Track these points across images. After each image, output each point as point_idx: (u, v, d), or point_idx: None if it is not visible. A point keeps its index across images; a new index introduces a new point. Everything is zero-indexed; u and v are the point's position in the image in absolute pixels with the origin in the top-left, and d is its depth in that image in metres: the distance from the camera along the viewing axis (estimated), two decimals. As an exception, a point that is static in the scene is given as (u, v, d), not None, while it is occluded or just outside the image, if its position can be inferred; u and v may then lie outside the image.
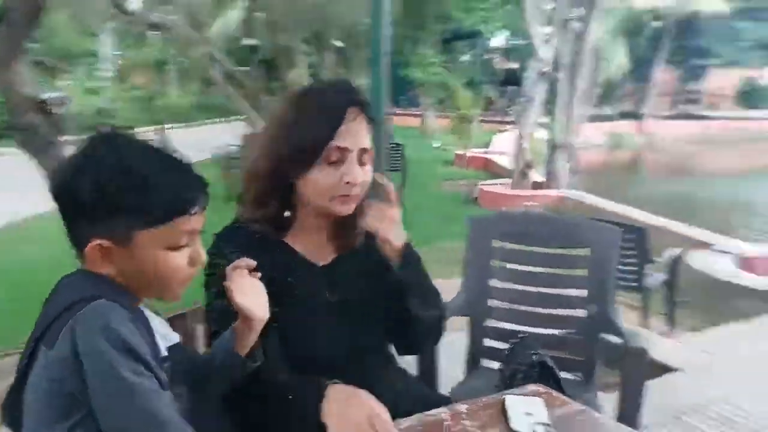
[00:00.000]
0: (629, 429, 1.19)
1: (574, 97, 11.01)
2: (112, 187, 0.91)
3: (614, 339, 1.86)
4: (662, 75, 29.09)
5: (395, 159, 11.03)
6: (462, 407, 1.22)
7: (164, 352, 0.97)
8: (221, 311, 1.12)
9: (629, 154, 23.55)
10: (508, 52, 33.45)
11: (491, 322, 2.13)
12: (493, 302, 2.13)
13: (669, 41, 26.75)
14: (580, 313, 2.01)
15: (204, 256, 0.99)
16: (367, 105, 1.23)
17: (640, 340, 1.75)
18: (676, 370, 3.11)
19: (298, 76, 16.45)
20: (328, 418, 1.04)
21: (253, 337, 1.09)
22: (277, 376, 1.17)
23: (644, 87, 31.05)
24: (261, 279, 1.09)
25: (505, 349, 2.05)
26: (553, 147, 10.77)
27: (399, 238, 1.27)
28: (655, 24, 27.07)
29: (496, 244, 2.14)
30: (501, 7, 13.12)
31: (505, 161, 12.66)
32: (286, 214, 1.27)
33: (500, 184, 10.59)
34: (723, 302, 5.01)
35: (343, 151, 1.19)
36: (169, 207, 0.93)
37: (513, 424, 1.13)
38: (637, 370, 1.71)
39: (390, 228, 1.26)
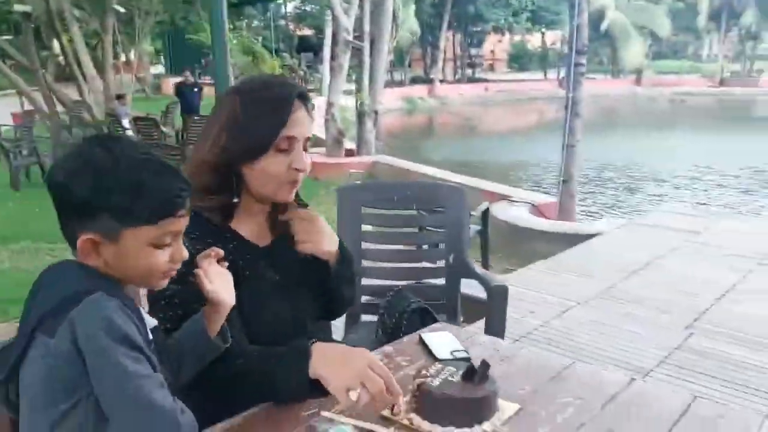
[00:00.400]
0: (510, 344, 1.50)
1: (378, 64, 11.50)
2: (104, 188, 0.95)
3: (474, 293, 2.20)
4: (447, 41, 31.34)
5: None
6: (389, 348, 1.44)
7: (150, 336, 1.05)
8: (183, 297, 1.19)
9: (424, 117, 25.25)
10: (300, 18, 33.46)
11: (366, 281, 2.37)
12: (366, 262, 2.37)
13: (450, 8, 28.77)
14: (442, 263, 2.33)
15: (185, 254, 1.05)
16: (308, 97, 1.33)
17: (498, 279, 2.12)
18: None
19: (71, 44, 14.94)
20: (324, 371, 1.13)
21: (220, 322, 1.17)
22: (248, 349, 1.26)
23: (431, 52, 33.19)
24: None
25: (380, 303, 2.34)
26: (361, 114, 11.23)
27: (332, 244, 1.42)
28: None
29: (365, 210, 2.37)
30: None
31: (314, 130, 12.90)
32: (235, 200, 1.33)
33: (316, 153, 10.81)
34: (524, 245, 5.82)
35: (292, 140, 1.29)
36: (156, 209, 0.98)
37: (437, 354, 1.38)
38: (501, 302, 2.08)
39: (321, 240, 1.39)
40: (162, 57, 30.62)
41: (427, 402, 1.10)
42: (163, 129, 10.66)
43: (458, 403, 1.08)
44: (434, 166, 9.62)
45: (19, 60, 11.91)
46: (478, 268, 2.27)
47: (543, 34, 36.06)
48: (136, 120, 10.57)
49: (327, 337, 1.77)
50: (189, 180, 1.29)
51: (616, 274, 4.31)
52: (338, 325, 2.28)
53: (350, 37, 11.36)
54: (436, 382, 1.12)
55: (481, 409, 1.09)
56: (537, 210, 6.70)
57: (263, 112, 1.28)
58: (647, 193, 10.18)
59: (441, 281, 2.34)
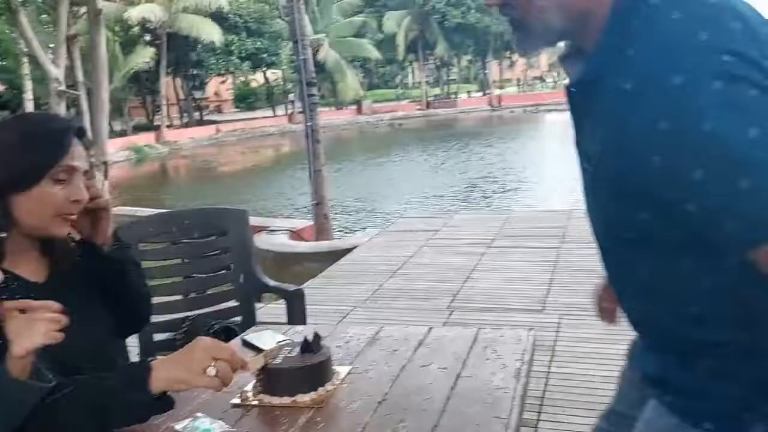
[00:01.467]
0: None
1: (99, 113, 10.85)
2: None
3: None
4: (167, 86, 30.50)
5: None
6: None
7: None
8: None
9: (156, 165, 24.24)
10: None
11: (157, 317, 2.33)
12: (155, 299, 2.32)
13: (167, 54, 28.08)
14: (234, 285, 2.41)
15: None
16: (84, 134, 1.32)
17: (291, 286, 2.29)
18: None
19: None
20: (173, 373, 1.12)
21: (24, 367, 1.10)
22: (65, 382, 1.17)
23: (152, 99, 32.02)
24: None
25: (177, 336, 2.33)
26: (90, 167, 10.48)
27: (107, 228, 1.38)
28: (148, 37, 28.00)
29: (144, 246, 2.34)
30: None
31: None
32: (3, 235, 1.24)
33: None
34: (291, 269, 6.05)
35: (71, 170, 1.24)
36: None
37: (266, 347, 1.48)
38: (300, 304, 2.23)
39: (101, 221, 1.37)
40: None
41: (275, 379, 1.21)
42: None
43: (304, 371, 1.22)
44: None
45: None
46: (270, 281, 2.40)
47: (264, 72, 37.18)
48: None
49: (127, 360, 1.71)
50: None
51: (380, 276, 4.75)
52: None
53: (62, 87, 10.56)
54: (278, 360, 1.24)
55: (323, 373, 1.24)
56: (296, 235, 7.00)
57: (43, 140, 1.25)
58: (385, 212, 11.19)
59: (234, 303, 2.42)
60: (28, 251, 1.33)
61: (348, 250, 5.93)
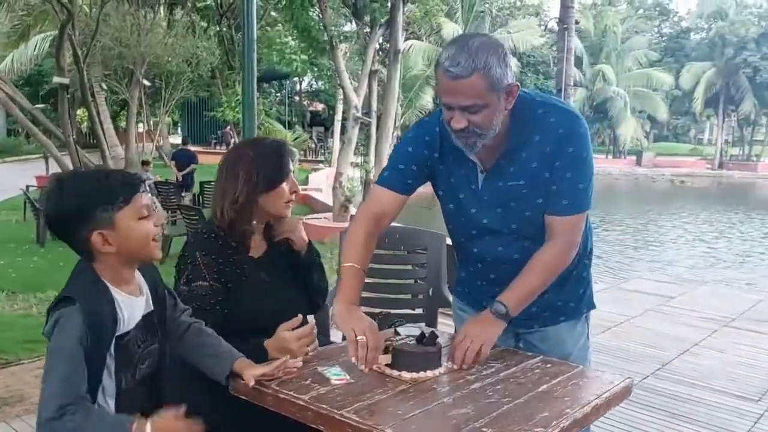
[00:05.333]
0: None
1: (383, 138, 12.26)
2: (88, 198, 1.38)
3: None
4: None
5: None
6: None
7: (127, 327, 1.44)
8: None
9: (424, 187, 26.01)
10: (313, 95, 34.94)
11: (361, 308, 2.86)
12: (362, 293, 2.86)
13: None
14: (423, 295, 2.84)
15: (163, 215, 1.52)
16: (294, 157, 1.99)
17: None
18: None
19: (97, 113, 15.95)
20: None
21: None
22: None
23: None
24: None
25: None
26: (367, 183, 11.91)
27: (304, 236, 2.01)
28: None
29: (361, 249, 2.89)
30: (317, 58, 14.12)
31: (321, 197, 13.64)
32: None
33: (323, 218, 11.40)
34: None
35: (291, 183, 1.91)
36: (124, 192, 1.40)
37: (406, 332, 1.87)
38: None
39: (300, 233, 2.00)
40: (179, 127, 31.84)
41: (393, 356, 1.59)
42: (182, 193, 11.36)
43: (408, 355, 1.58)
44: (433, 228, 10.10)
45: (50, 128, 12.65)
46: (452, 298, 2.77)
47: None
48: (156, 185, 11.23)
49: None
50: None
51: (592, 330, 4.74)
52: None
53: (359, 114, 12.16)
54: (398, 344, 1.62)
55: (428, 361, 1.59)
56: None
57: (276, 161, 1.90)
58: (631, 269, 10.55)
59: (419, 311, 2.84)
60: (257, 233, 1.94)
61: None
